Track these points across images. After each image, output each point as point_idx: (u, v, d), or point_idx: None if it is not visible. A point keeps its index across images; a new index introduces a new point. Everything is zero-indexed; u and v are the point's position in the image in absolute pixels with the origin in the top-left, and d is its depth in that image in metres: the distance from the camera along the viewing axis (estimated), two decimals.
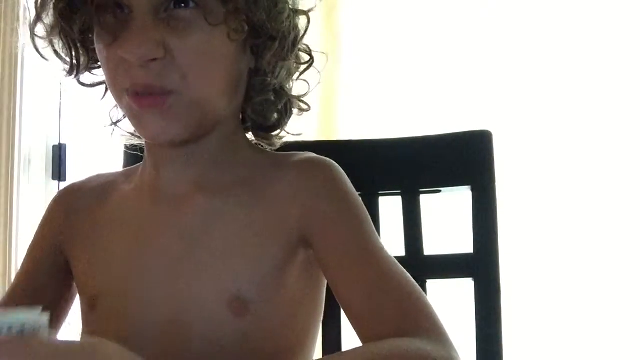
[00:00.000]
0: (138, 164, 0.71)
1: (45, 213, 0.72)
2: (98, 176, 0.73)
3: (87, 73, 0.65)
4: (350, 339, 0.63)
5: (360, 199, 0.64)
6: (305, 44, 0.66)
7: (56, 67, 0.63)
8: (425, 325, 0.53)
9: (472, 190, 0.79)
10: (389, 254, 0.60)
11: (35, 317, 0.40)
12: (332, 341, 0.77)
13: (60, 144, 1.77)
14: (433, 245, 0.80)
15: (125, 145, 0.78)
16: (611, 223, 1.42)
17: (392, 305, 0.55)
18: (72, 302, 0.71)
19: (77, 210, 0.69)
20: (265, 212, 0.62)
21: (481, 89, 1.48)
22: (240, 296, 0.59)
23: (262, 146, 0.71)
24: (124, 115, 0.66)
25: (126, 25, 0.56)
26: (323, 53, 0.68)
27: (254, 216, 0.62)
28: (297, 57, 0.66)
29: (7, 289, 0.70)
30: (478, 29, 1.49)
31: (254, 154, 0.68)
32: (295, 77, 0.68)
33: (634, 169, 1.42)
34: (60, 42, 0.61)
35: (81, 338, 0.65)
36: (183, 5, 0.56)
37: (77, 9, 0.58)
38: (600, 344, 1.40)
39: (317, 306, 0.68)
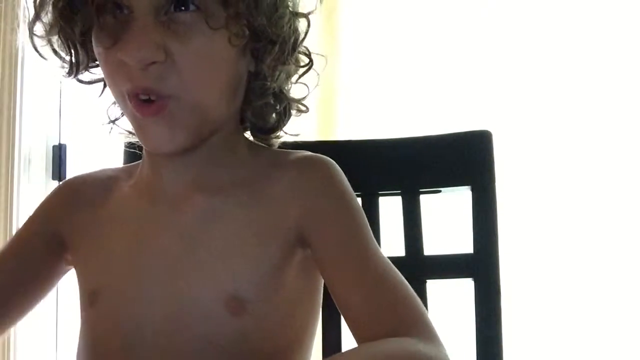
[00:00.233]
0: (139, 161, 0.71)
1: (46, 199, 0.72)
2: (101, 171, 0.73)
3: (85, 72, 0.64)
4: (350, 339, 0.63)
5: (356, 197, 0.65)
6: (304, 46, 0.65)
7: (56, 66, 0.63)
8: (418, 326, 0.55)
9: (472, 190, 0.78)
10: (383, 254, 0.61)
11: None
12: (332, 341, 0.78)
13: (60, 144, 1.77)
14: (433, 245, 0.80)
15: (125, 144, 0.78)
16: (611, 223, 1.42)
17: (388, 307, 0.56)
18: (56, 282, 0.71)
19: (80, 203, 0.69)
20: (264, 212, 0.62)
21: (481, 89, 1.48)
22: (238, 296, 0.60)
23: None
24: (122, 112, 0.66)
25: (126, 27, 0.55)
26: (322, 55, 0.68)
27: (252, 216, 0.62)
28: (297, 60, 0.66)
29: None
30: (478, 29, 1.49)
31: (252, 154, 0.68)
32: (294, 79, 0.68)
33: (634, 169, 1.42)
34: (60, 41, 0.61)
35: (80, 333, 0.66)
36: (183, 8, 0.56)
37: (77, 10, 0.57)
38: (600, 344, 1.40)
39: (315, 305, 0.68)
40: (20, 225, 0.71)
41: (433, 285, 0.78)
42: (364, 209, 0.79)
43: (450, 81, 1.49)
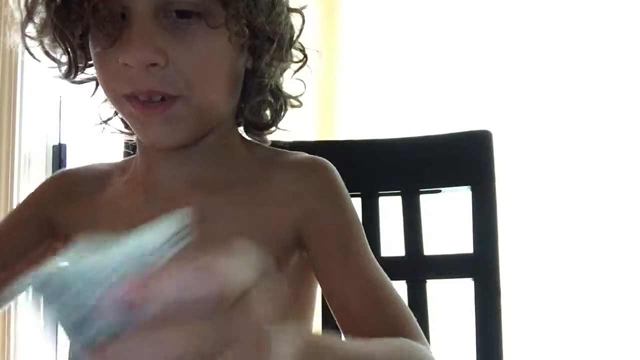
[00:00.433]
0: (131, 157, 0.70)
1: (41, 187, 0.71)
2: (93, 165, 0.71)
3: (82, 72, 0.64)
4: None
5: (351, 199, 0.65)
6: (299, 42, 0.66)
7: (50, 67, 0.63)
8: (408, 328, 0.57)
9: (472, 190, 0.78)
10: (374, 258, 0.62)
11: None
12: None
13: (60, 144, 1.77)
14: (433, 246, 0.80)
15: (125, 143, 0.77)
16: (611, 223, 1.42)
17: (382, 308, 0.58)
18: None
19: (75, 195, 0.68)
20: (263, 213, 0.62)
21: (481, 89, 1.48)
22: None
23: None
24: (115, 112, 0.66)
25: (125, 28, 0.55)
26: (317, 51, 0.68)
27: (251, 216, 0.62)
28: (291, 56, 0.66)
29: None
30: (478, 29, 1.49)
31: (248, 152, 0.68)
32: (290, 76, 0.68)
33: (634, 169, 1.42)
34: (55, 42, 0.59)
35: None
36: (184, 14, 0.55)
37: (74, 9, 0.56)
38: (600, 344, 1.40)
39: (311, 303, 0.68)
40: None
41: (433, 285, 0.78)
42: (363, 209, 0.80)
43: (450, 81, 1.49)
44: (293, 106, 0.70)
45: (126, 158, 0.73)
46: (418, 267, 0.78)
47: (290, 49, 0.63)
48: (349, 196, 0.65)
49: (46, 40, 0.60)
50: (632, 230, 1.41)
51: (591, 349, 1.40)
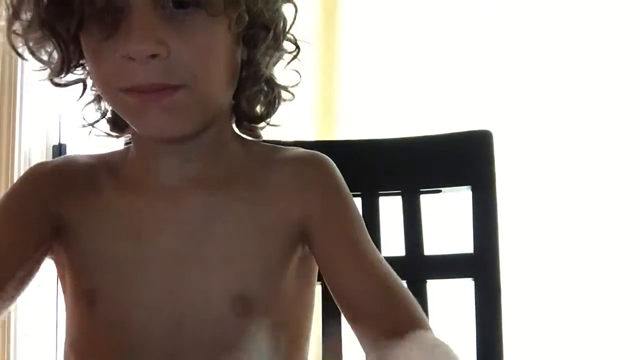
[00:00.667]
0: (113, 152, 0.68)
1: (37, 178, 0.66)
2: (73, 158, 0.68)
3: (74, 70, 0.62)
4: (349, 339, 0.63)
5: (352, 194, 0.65)
6: (291, 33, 0.65)
7: (42, 69, 0.61)
8: (417, 316, 0.57)
9: (472, 190, 0.79)
10: (378, 251, 0.62)
11: None
12: (332, 340, 0.77)
13: (60, 144, 1.77)
14: (433, 245, 0.80)
15: (125, 143, 0.77)
16: (611, 223, 1.42)
17: (389, 298, 0.58)
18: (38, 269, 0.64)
19: (72, 189, 0.64)
20: (266, 209, 0.62)
21: (481, 89, 1.48)
22: (244, 295, 0.59)
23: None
24: (102, 114, 0.65)
25: (123, 20, 0.53)
26: (308, 43, 0.67)
27: (254, 213, 0.62)
28: (284, 46, 0.65)
29: None
30: (478, 29, 1.49)
31: (243, 147, 0.67)
32: (283, 67, 0.67)
33: (634, 169, 1.42)
34: (44, 41, 0.58)
35: (72, 330, 0.63)
36: (181, 4, 0.55)
37: (68, 1, 0.54)
38: (600, 344, 1.40)
39: (311, 301, 0.68)
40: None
41: (433, 285, 0.78)
42: (363, 209, 0.80)
43: (451, 81, 1.49)
44: (286, 100, 0.69)
45: (107, 152, 0.69)
46: (418, 267, 0.78)
47: (284, 38, 0.63)
48: (348, 189, 0.65)
49: (32, 39, 0.58)
50: (632, 231, 1.41)
51: (591, 349, 1.40)
